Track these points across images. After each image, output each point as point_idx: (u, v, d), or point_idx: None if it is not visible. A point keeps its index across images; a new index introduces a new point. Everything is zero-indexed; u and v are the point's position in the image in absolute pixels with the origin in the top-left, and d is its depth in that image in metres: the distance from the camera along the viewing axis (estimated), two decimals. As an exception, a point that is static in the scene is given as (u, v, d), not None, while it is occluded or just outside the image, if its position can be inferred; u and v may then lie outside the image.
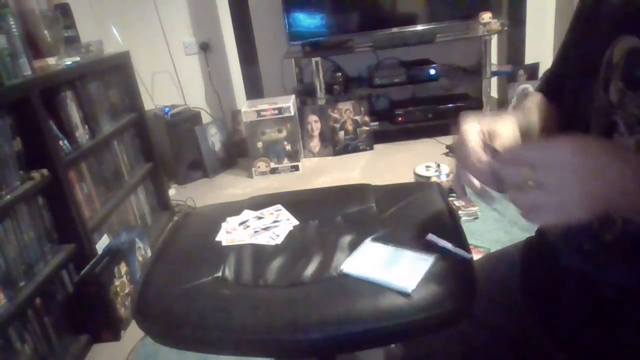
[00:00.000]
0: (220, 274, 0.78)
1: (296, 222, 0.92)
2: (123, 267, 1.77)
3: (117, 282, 1.71)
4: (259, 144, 3.04)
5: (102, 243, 1.88)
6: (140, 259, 1.93)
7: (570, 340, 0.67)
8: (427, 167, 2.38)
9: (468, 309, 0.67)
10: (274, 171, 3.07)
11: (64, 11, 2.11)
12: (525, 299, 0.77)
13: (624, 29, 0.59)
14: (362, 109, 3.22)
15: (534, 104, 0.77)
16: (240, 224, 0.93)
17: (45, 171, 1.58)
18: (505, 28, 3.13)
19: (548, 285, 0.73)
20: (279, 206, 0.99)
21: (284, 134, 3.02)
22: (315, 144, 3.27)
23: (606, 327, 0.61)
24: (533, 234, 0.83)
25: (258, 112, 2.98)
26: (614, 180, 0.45)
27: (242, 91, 3.36)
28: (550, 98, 0.78)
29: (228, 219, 0.95)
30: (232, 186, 3.00)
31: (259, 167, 3.06)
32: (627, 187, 0.44)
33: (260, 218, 0.94)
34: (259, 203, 1.02)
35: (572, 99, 0.73)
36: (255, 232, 0.89)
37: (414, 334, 0.73)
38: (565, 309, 0.70)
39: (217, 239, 0.89)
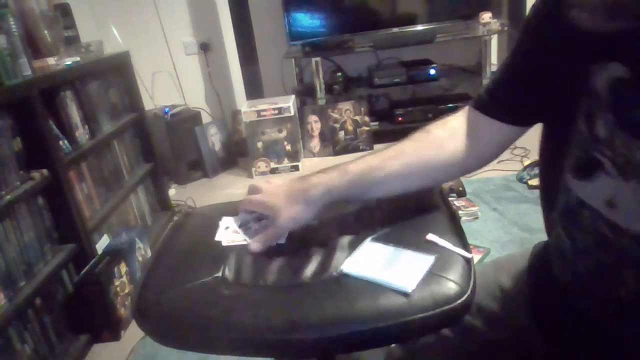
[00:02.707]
0: (220, 274, 0.78)
1: (296, 222, 0.92)
2: (123, 267, 1.77)
3: (117, 282, 1.71)
4: (259, 144, 3.03)
5: (102, 243, 1.88)
6: (140, 259, 1.93)
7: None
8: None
9: (468, 309, 0.67)
10: (274, 171, 3.07)
11: (64, 11, 2.11)
12: (530, 310, 0.76)
13: (604, 55, 0.53)
14: (362, 109, 3.21)
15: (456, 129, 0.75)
16: (241, 224, 0.92)
17: (45, 171, 1.58)
18: (505, 28, 3.13)
19: (555, 309, 0.71)
20: (279, 206, 0.99)
21: (284, 134, 3.02)
22: (315, 144, 3.27)
23: None
24: (539, 240, 0.81)
25: (258, 112, 2.98)
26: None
27: (242, 91, 3.36)
28: (493, 113, 0.72)
29: (228, 219, 0.95)
30: (232, 186, 2.99)
31: (259, 167, 3.06)
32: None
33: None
34: (259, 203, 1.01)
35: (539, 122, 0.69)
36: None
37: (414, 334, 0.73)
38: (569, 335, 0.69)
39: (217, 239, 0.88)
